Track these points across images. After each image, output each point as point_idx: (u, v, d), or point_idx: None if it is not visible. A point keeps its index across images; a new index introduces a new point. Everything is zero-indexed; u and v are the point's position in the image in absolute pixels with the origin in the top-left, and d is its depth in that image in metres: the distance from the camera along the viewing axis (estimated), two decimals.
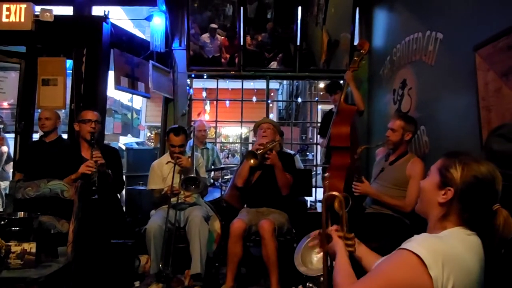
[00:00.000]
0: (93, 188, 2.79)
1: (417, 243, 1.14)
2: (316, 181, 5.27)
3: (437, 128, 2.94)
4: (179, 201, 3.28)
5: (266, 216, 3.10)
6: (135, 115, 12.61)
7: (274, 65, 4.90)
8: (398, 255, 1.16)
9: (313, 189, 4.70)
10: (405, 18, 3.68)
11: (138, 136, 12.06)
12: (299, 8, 4.70)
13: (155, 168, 3.48)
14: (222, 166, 5.14)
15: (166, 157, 3.50)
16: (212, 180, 4.74)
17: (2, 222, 2.31)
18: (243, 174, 3.31)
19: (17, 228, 2.32)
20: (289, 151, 4.90)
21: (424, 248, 1.11)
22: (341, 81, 4.30)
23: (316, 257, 2.66)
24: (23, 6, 3.82)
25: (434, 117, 2.98)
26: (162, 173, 3.42)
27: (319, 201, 4.92)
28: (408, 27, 3.49)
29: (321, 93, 5.93)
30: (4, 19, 3.81)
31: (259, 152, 3.17)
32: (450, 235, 1.20)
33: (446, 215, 1.24)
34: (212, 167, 4.79)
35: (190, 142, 3.81)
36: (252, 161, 3.19)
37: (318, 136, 4.77)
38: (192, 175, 3.10)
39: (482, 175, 1.20)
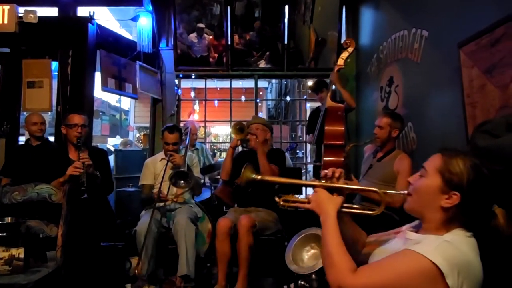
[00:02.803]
0: (82, 188, 2.78)
1: (431, 248, 1.09)
2: (306, 179, 5.28)
3: (424, 124, 2.98)
4: (167, 203, 3.28)
5: (257, 212, 3.12)
6: (123, 116, 12.50)
7: (262, 63, 4.90)
8: (410, 256, 1.09)
9: (303, 187, 4.71)
10: (391, 16, 3.71)
11: (127, 137, 11.95)
12: (286, 7, 4.70)
13: (148, 165, 3.51)
14: (213, 163, 5.12)
15: (161, 154, 3.54)
16: (207, 180, 4.74)
17: None
18: (226, 166, 3.38)
19: (5, 234, 2.29)
20: None
21: (440, 255, 1.06)
22: (328, 80, 4.32)
23: (307, 255, 2.69)
24: (6, 7, 3.77)
25: (421, 113, 3.01)
26: (155, 170, 3.43)
27: None
28: (394, 25, 3.52)
29: (309, 92, 5.94)
30: None
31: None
32: (457, 240, 1.14)
33: (447, 219, 1.18)
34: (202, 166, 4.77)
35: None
36: (235, 135, 3.26)
37: (307, 136, 4.78)
38: (183, 169, 3.10)
39: (486, 177, 1.16)
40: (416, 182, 1.26)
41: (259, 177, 1.46)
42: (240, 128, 3.28)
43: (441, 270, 1.04)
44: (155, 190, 3.24)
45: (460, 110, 2.39)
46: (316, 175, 4.10)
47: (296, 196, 1.46)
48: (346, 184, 1.37)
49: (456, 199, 1.15)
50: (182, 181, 3.10)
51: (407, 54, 3.22)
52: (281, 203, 1.41)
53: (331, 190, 1.33)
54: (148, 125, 5.37)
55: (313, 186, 1.36)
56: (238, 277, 2.93)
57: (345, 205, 1.33)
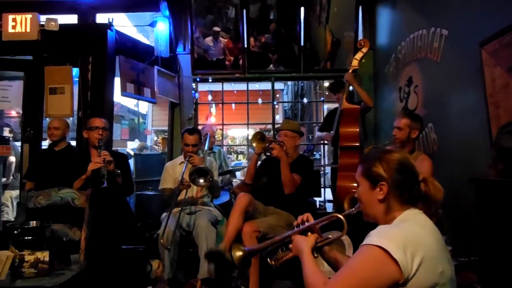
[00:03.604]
0: (103, 180, 2.83)
1: (376, 236, 1.22)
2: (324, 181, 5.26)
3: (445, 125, 2.93)
4: (187, 196, 3.30)
5: (271, 215, 3.13)
6: (141, 120, 12.65)
7: (274, 66, 4.89)
8: (361, 251, 1.23)
9: (322, 189, 4.69)
10: (409, 15, 3.67)
11: (145, 141, 12.09)
12: (302, 8, 4.69)
13: (168, 168, 3.55)
14: (230, 169, 5.14)
15: (180, 158, 3.58)
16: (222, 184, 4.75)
17: (15, 232, 2.33)
18: (250, 172, 3.38)
19: (30, 237, 2.33)
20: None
21: (383, 237, 1.19)
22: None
23: None
24: (29, 16, 3.86)
25: (442, 114, 2.97)
26: (175, 174, 3.45)
27: (328, 201, 4.92)
28: (412, 24, 3.48)
29: (327, 93, 5.91)
30: (10, 30, 3.85)
31: (267, 137, 3.24)
32: (402, 221, 1.31)
33: (389, 206, 1.35)
34: (220, 170, 4.79)
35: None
36: (255, 144, 3.22)
37: (318, 132, 4.74)
38: (203, 167, 3.13)
39: (398, 159, 1.36)
40: (357, 194, 1.45)
41: (243, 253, 1.74)
42: (261, 137, 3.24)
43: (385, 249, 1.16)
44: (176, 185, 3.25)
45: (483, 110, 2.35)
46: (334, 177, 4.07)
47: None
48: (313, 222, 1.56)
49: (385, 187, 1.34)
50: (201, 178, 3.12)
51: (426, 54, 3.18)
52: (273, 263, 1.63)
53: (305, 232, 1.54)
54: (165, 128, 5.42)
55: (289, 236, 1.57)
56: (249, 284, 2.91)
57: (319, 240, 1.52)
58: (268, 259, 1.65)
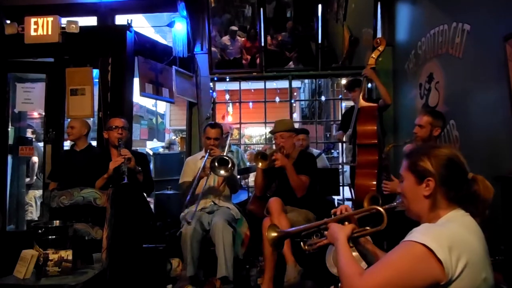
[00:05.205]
0: (123, 176, 2.88)
1: (420, 233, 1.18)
2: (343, 179, 5.21)
3: (467, 122, 2.87)
4: (206, 186, 3.33)
5: (290, 212, 3.13)
6: (159, 120, 12.78)
7: (290, 64, 4.87)
8: (404, 246, 1.19)
9: (341, 188, 4.65)
10: (430, 10, 3.60)
11: (163, 140, 12.20)
12: (319, 6, 4.65)
13: (189, 163, 3.60)
14: (249, 166, 5.14)
15: (200, 153, 3.64)
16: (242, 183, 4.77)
17: (40, 231, 2.39)
18: (258, 183, 3.39)
19: (54, 236, 2.39)
20: (315, 150, 4.85)
21: (428, 236, 1.16)
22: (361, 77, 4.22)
23: None
24: (50, 19, 3.93)
25: (464, 111, 2.90)
26: (196, 167, 3.46)
27: (347, 199, 4.87)
28: (432, 20, 3.41)
29: (345, 90, 5.86)
30: (32, 33, 3.93)
31: (270, 152, 3.24)
32: (447, 221, 1.26)
33: (434, 204, 1.30)
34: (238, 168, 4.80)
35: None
36: (260, 164, 3.20)
37: (338, 132, 4.69)
38: (224, 156, 3.17)
39: (447, 155, 1.30)
40: (401, 189, 1.40)
41: (277, 234, 1.72)
42: (261, 156, 3.22)
43: (429, 248, 1.13)
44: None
45: (507, 106, 2.29)
46: (353, 175, 4.03)
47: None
48: (351, 212, 1.55)
49: (432, 183, 1.29)
50: (223, 169, 3.16)
51: (447, 49, 3.11)
52: (306, 247, 1.61)
53: (342, 221, 1.52)
54: (183, 127, 5.46)
55: (326, 223, 1.55)
56: (264, 280, 2.92)
57: (356, 230, 1.48)
58: (302, 243, 1.62)
